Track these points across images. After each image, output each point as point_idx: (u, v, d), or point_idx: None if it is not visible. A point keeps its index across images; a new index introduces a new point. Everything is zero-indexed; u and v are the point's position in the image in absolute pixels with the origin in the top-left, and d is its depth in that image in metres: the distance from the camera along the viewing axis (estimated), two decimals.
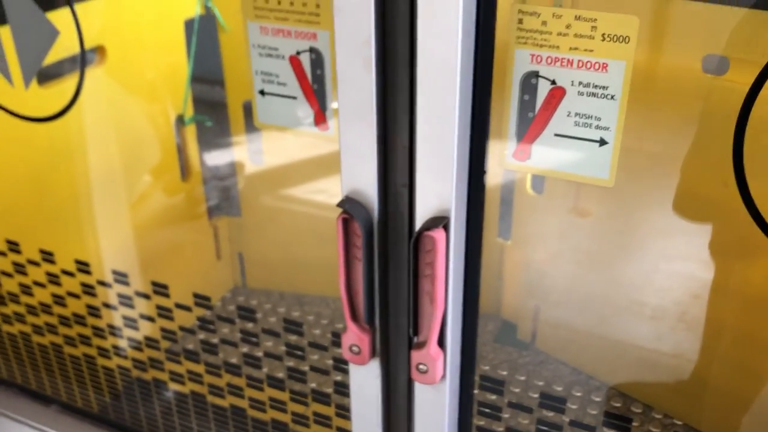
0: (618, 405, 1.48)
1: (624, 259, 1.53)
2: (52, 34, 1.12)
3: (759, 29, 1.05)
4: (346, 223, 0.83)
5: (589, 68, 0.73)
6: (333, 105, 0.90)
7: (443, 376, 0.90)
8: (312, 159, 1.76)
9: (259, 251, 1.97)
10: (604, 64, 0.72)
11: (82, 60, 1.24)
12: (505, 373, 1.65)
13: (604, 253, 1.57)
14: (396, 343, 0.93)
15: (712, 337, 1.41)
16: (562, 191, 1.57)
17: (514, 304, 1.79)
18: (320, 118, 0.92)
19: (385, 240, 0.85)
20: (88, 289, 1.35)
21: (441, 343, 0.87)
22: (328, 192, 1.77)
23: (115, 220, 1.65)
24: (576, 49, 0.72)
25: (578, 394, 1.55)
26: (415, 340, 0.88)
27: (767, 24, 1.04)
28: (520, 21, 0.73)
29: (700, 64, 1.19)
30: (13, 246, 1.39)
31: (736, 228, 1.25)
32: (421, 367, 0.88)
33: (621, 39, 0.70)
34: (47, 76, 1.30)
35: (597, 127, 0.75)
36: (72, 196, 1.53)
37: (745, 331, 1.37)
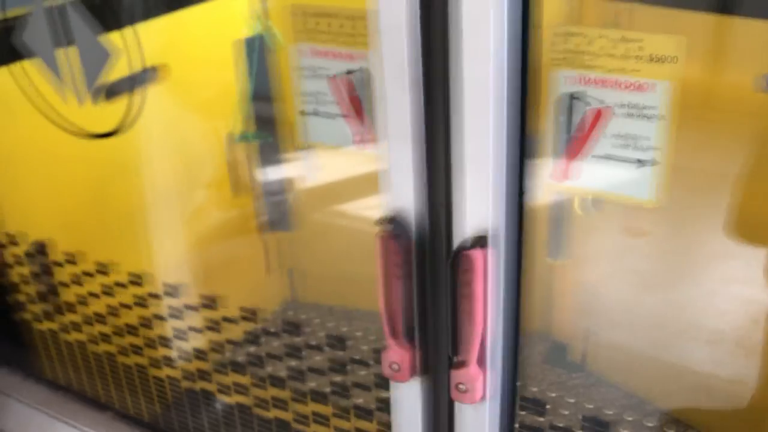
0: (672, 431, 1.44)
1: (680, 280, 1.50)
2: (109, 55, 1.17)
3: None
4: (386, 241, 0.83)
5: (634, 89, 0.72)
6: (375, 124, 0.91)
7: (483, 396, 0.89)
8: (362, 175, 1.77)
9: (309, 266, 2.00)
10: (649, 84, 0.71)
11: (138, 78, 1.29)
12: (554, 394, 1.62)
13: (659, 274, 1.54)
14: (437, 361, 0.93)
15: None
16: (614, 211, 1.55)
17: (565, 325, 1.76)
18: (363, 136, 0.93)
19: (424, 258, 0.86)
20: (142, 301, 1.39)
21: (481, 362, 0.87)
22: (378, 208, 1.77)
23: (170, 234, 1.70)
24: (621, 69, 0.71)
25: (630, 418, 1.52)
26: (455, 359, 0.88)
27: None
28: (565, 42, 0.73)
29: (756, 82, 1.17)
30: (72, 258, 1.44)
31: None
32: (461, 386, 0.88)
33: (668, 59, 0.69)
34: (109, 93, 1.35)
35: (641, 147, 0.73)
36: (128, 210, 1.58)
37: None
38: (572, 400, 1.59)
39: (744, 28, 1.17)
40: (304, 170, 1.89)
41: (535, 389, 1.64)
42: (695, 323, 1.48)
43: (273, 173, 1.93)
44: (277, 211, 1.97)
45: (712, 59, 1.22)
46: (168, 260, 1.64)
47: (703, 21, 1.19)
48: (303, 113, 0.97)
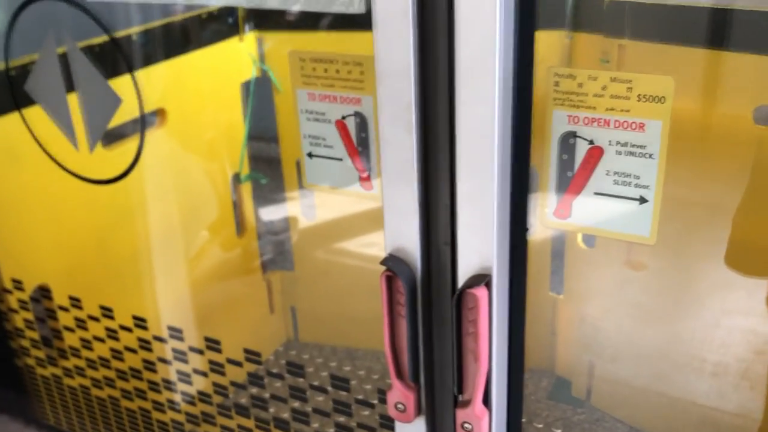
0: None
1: (682, 313, 1.50)
2: (116, 101, 1.19)
3: None
4: (390, 281, 0.84)
5: (626, 128, 0.73)
6: (377, 165, 0.93)
7: None
8: (363, 212, 1.78)
9: (311, 305, 2.00)
10: (641, 123, 0.73)
11: (142, 123, 1.31)
12: (559, 431, 1.61)
13: (661, 306, 1.54)
14: (441, 400, 0.93)
15: None
16: (614, 244, 1.56)
17: (568, 360, 1.76)
18: (365, 178, 0.94)
19: (428, 297, 0.86)
20: (145, 344, 1.39)
21: (486, 401, 0.87)
22: (380, 245, 1.78)
23: (173, 276, 1.70)
24: (612, 109, 0.73)
25: None
26: (460, 398, 0.88)
27: None
28: (557, 84, 0.75)
29: (752, 114, 1.19)
30: (75, 302, 1.44)
31: None
32: (466, 425, 0.88)
33: (657, 99, 0.71)
34: (112, 138, 1.37)
35: (636, 185, 0.75)
36: (131, 253, 1.59)
37: None
38: None
39: (734, 62, 1.20)
40: (306, 209, 1.90)
41: (540, 426, 1.63)
42: (699, 356, 1.48)
43: (275, 213, 1.95)
44: (280, 251, 1.98)
45: (704, 93, 1.25)
46: (171, 302, 1.64)
47: (694, 55, 1.22)
48: (306, 155, 0.98)
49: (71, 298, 1.45)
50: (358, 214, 1.81)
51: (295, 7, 0.86)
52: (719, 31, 1.19)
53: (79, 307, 1.44)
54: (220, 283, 1.86)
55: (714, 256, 1.34)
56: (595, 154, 0.76)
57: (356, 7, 0.81)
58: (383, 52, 0.76)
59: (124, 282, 1.58)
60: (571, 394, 1.72)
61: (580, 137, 0.76)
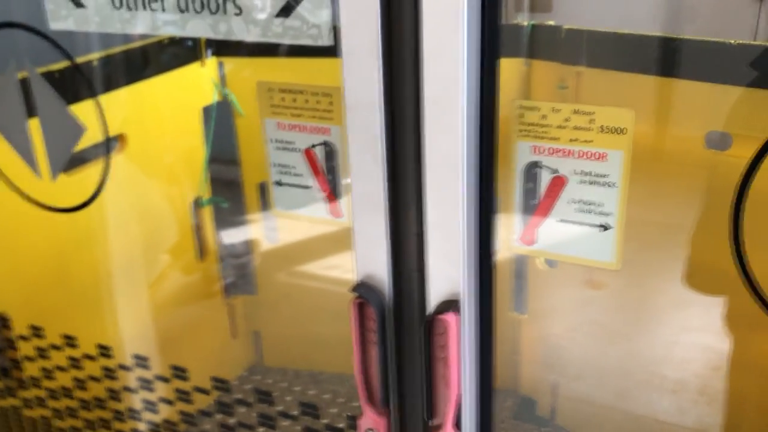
0: None
1: (642, 331, 1.53)
2: (79, 130, 1.18)
3: (758, 106, 1.08)
4: (361, 308, 0.85)
5: (589, 158, 0.76)
6: (346, 195, 0.94)
7: None
8: (326, 235, 1.79)
9: (275, 329, 1.98)
10: (602, 153, 0.75)
11: (107, 150, 1.30)
12: None
13: (621, 325, 1.57)
14: (412, 426, 0.93)
15: (735, 411, 1.39)
16: (575, 265, 1.58)
17: (533, 379, 1.78)
18: (334, 206, 0.95)
19: (399, 323, 0.87)
20: (109, 373, 1.37)
21: (457, 425, 0.88)
22: (342, 267, 1.79)
23: (135, 303, 1.68)
24: (575, 140, 0.76)
25: None
26: (431, 423, 0.89)
27: (766, 101, 1.08)
28: (521, 115, 0.77)
29: (704, 139, 1.23)
30: (37, 331, 1.41)
31: (746, 300, 1.25)
32: None
33: (618, 130, 0.74)
34: (71, 163, 1.35)
35: (599, 213, 0.77)
36: (93, 280, 1.57)
37: None
38: None
39: (686, 89, 1.24)
40: (269, 232, 1.90)
41: None
42: (659, 373, 1.51)
43: (237, 236, 1.94)
44: (242, 275, 1.97)
45: (658, 119, 1.29)
46: (133, 329, 1.62)
47: (649, 83, 1.26)
48: (274, 183, 0.99)
49: (32, 327, 1.42)
50: (321, 236, 1.81)
51: (264, 39, 0.87)
52: (671, 60, 1.23)
53: (41, 336, 1.41)
54: (182, 309, 1.84)
55: (672, 275, 1.37)
56: (559, 183, 0.78)
57: (324, 40, 0.82)
58: (351, 85, 0.78)
59: (86, 310, 1.55)
60: (536, 414, 1.73)
61: (544, 167, 0.78)
